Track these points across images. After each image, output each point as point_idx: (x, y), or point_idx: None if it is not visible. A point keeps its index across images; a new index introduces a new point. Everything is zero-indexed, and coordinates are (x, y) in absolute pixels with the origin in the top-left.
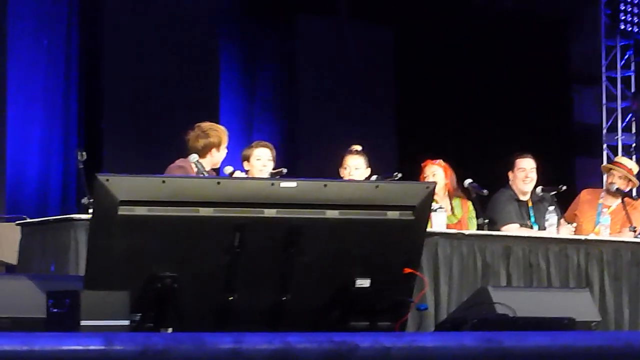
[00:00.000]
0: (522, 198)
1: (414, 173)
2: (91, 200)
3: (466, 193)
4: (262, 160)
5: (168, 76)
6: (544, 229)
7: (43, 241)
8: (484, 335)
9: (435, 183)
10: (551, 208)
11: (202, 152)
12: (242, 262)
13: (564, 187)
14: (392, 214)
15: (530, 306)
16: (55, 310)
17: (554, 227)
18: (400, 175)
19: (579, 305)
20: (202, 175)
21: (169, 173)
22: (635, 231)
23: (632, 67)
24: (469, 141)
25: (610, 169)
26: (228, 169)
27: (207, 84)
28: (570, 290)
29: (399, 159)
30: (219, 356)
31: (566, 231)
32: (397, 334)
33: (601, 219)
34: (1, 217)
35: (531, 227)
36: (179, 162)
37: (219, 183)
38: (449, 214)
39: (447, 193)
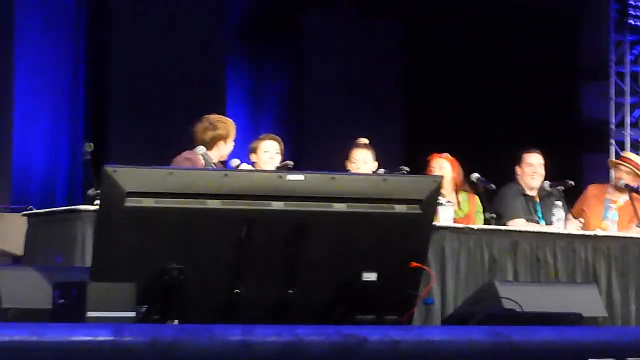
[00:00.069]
0: (529, 193)
1: (420, 167)
2: (98, 192)
3: (474, 188)
4: (269, 153)
5: (175, 69)
6: (552, 224)
7: (49, 232)
8: (492, 330)
9: (442, 177)
10: (559, 203)
11: (210, 145)
12: (249, 255)
13: (572, 183)
14: (400, 208)
15: (537, 301)
16: (62, 301)
17: (562, 223)
18: (408, 169)
19: (586, 300)
20: (210, 167)
21: (176, 165)
22: None
23: None
24: (476, 136)
25: (618, 164)
26: (235, 162)
27: (214, 77)
28: (577, 285)
29: (406, 154)
30: (228, 348)
31: (574, 227)
32: (405, 328)
33: (608, 215)
34: (7, 208)
35: (538, 223)
36: (186, 154)
37: (226, 175)
38: (455, 209)
39: (454, 187)
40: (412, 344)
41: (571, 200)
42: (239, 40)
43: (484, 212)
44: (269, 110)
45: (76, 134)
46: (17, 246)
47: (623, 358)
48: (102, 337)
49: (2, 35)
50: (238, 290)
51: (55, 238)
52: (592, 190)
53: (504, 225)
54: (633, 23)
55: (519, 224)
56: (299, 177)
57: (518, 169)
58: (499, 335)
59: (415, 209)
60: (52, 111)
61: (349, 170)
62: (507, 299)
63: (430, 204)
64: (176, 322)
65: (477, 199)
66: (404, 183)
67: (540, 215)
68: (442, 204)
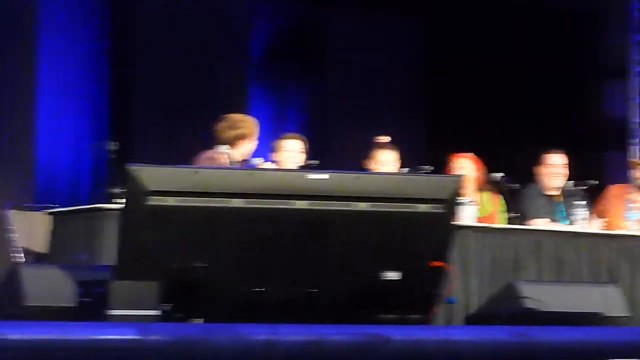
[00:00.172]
0: (551, 193)
1: (442, 167)
2: (122, 190)
3: (496, 187)
4: (292, 152)
5: (198, 66)
6: (574, 223)
7: (73, 230)
8: (515, 330)
9: (465, 176)
10: (581, 203)
11: (232, 143)
12: (272, 253)
13: (595, 182)
14: (423, 207)
15: (559, 301)
16: (85, 299)
17: (584, 222)
18: (432, 168)
19: (609, 300)
20: (233, 166)
21: (198, 164)
22: None
23: None
24: (498, 135)
25: (638, 164)
26: (257, 161)
27: (236, 77)
28: (599, 285)
29: (428, 153)
30: (253, 347)
31: (596, 226)
32: (429, 327)
33: (630, 215)
34: (32, 206)
35: (558, 223)
36: (208, 153)
37: (250, 174)
38: (478, 208)
39: (476, 187)
40: (435, 343)
41: (594, 199)
42: (261, 38)
43: (507, 211)
44: (290, 108)
45: (100, 132)
46: (41, 244)
47: None
48: (129, 336)
49: (25, 33)
50: (261, 289)
51: (79, 236)
52: (613, 190)
53: (526, 225)
54: None
55: (539, 224)
56: (323, 176)
57: (539, 169)
58: (521, 335)
59: (438, 208)
60: (75, 109)
61: (370, 169)
62: (529, 298)
63: (453, 203)
64: (199, 320)
65: (499, 198)
66: (427, 182)
67: (564, 215)
68: (465, 203)
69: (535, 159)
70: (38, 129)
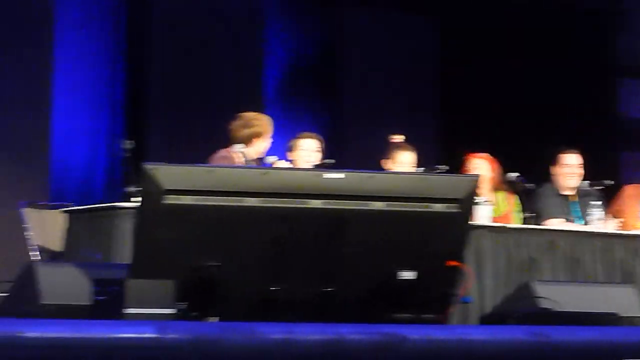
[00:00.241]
0: (566, 193)
1: (457, 166)
2: (137, 189)
3: (511, 187)
4: (307, 150)
5: (214, 65)
6: (590, 223)
7: (88, 229)
8: (531, 330)
9: (480, 176)
10: (597, 203)
11: (246, 142)
12: (287, 253)
13: (611, 182)
14: (438, 206)
15: (574, 301)
16: (101, 298)
17: (600, 222)
18: (447, 167)
19: (624, 300)
20: (248, 165)
21: (213, 163)
22: None
23: None
24: (514, 135)
25: None
26: (272, 159)
27: (252, 73)
28: (615, 285)
29: (442, 153)
30: (270, 346)
31: (611, 226)
32: (445, 327)
33: None
34: (47, 204)
35: (574, 223)
36: (223, 152)
37: (265, 173)
38: (493, 207)
39: (492, 187)
40: (451, 343)
41: (609, 199)
42: (275, 35)
43: (522, 211)
44: (305, 106)
45: (115, 130)
46: (56, 242)
47: None
48: (146, 334)
49: (41, 31)
50: (276, 288)
51: (94, 234)
52: (629, 190)
53: (541, 224)
54: None
55: (554, 223)
56: (338, 175)
57: (554, 169)
58: (538, 335)
59: (453, 208)
60: (90, 107)
61: (386, 169)
62: (544, 298)
63: (468, 202)
64: (214, 319)
65: (514, 198)
66: (443, 182)
67: (579, 215)
68: (480, 203)
69: (551, 159)
70: (53, 127)
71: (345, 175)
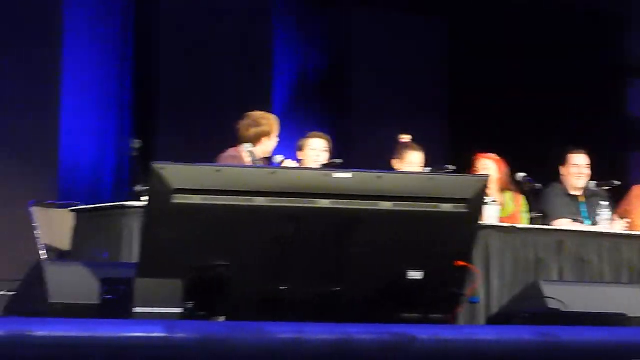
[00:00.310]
0: (574, 193)
1: (464, 166)
2: (145, 188)
3: (519, 187)
4: (316, 150)
5: (221, 65)
6: (597, 224)
7: (96, 228)
8: (540, 330)
9: (489, 176)
10: (604, 203)
11: (254, 141)
12: (295, 252)
13: (618, 183)
14: (446, 207)
15: (582, 301)
16: (108, 297)
17: (607, 223)
18: (454, 168)
19: (632, 301)
20: (256, 164)
21: (222, 163)
22: None
23: None
24: (522, 134)
25: None
26: (279, 158)
27: (259, 72)
28: (622, 285)
29: (450, 152)
30: (279, 346)
31: (619, 226)
32: (454, 327)
33: None
34: (54, 203)
35: (582, 223)
36: (231, 151)
37: (273, 173)
38: (501, 208)
39: (499, 187)
40: (460, 343)
41: (618, 200)
42: (284, 35)
43: (530, 211)
44: (312, 105)
45: (123, 130)
46: (64, 241)
47: None
48: (155, 333)
49: (50, 32)
50: (284, 287)
51: (102, 233)
52: (637, 190)
53: (549, 225)
54: None
55: (562, 224)
56: (346, 175)
57: (562, 169)
58: (546, 335)
59: (462, 208)
60: (99, 107)
61: (395, 168)
62: (552, 298)
63: (477, 203)
64: (222, 318)
65: (522, 198)
66: (451, 182)
67: (586, 215)
68: (487, 203)
69: (559, 159)
70: (62, 126)
71: (354, 175)
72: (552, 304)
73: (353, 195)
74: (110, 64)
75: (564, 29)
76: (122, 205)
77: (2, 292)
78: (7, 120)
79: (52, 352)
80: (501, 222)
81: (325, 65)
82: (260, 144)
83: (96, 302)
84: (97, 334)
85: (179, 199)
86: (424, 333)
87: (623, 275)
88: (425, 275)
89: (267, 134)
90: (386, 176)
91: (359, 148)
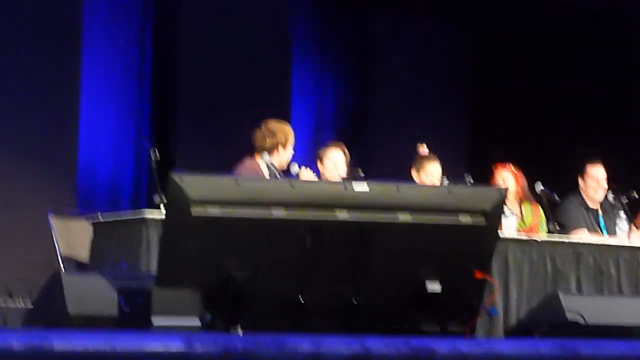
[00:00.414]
0: (591, 206)
1: (484, 177)
2: (163, 199)
3: (537, 198)
4: (335, 162)
5: (241, 75)
6: (615, 235)
7: (115, 238)
8: (560, 343)
9: (507, 188)
10: (622, 215)
11: (270, 151)
12: (313, 264)
13: (636, 194)
14: (464, 219)
15: (600, 313)
16: (127, 307)
17: (625, 234)
18: (472, 180)
19: None
20: (275, 176)
21: (240, 174)
22: None
23: None
24: (542, 143)
25: None
26: (295, 167)
27: (279, 81)
28: None
29: (473, 160)
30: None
31: (637, 238)
32: (473, 340)
33: None
34: (74, 213)
35: (600, 234)
36: (248, 162)
37: (292, 185)
38: (519, 221)
39: (517, 199)
40: (479, 357)
41: (635, 211)
42: (304, 42)
43: (547, 222)
44: (332, 112)
45: (141, 141)
46: (82, 252)
47: None
48: (174, 348)
49: (69, 39)
50: (303, 298)
51: (120, 244)
52: None
53: (567, 236)
54: None
55: (580, 235)
56: (364, 187)
57: (581, 181)
58: (566, 349)
59: (480, 220)
60: (118, 116)
61: (414, 179)
62: (570, 310)
63: (495, 215)
64: (241, 330)
65: (540, 210)
66: (469, 194)
67: (603, 227)
68: (505, 215)
69: (578, 168)
70: (80, 135)
71: (372, 187)
72: (571, 316)
73: (372, 207)
74: (129, 72)
75: (584, 36)
76: (141, 216)
77: (20, 304)
78: (26, 128)
79: None
80: (519, 233)
81: (348, 71)
82: (275, 154)
83: (115, 313)
84: (117, 347)
85: (197, 210)
86: (444, 347)
87: None
88: (444, 286)
89: (282, 144)
90: (404, 188)
91: (381, 155)
